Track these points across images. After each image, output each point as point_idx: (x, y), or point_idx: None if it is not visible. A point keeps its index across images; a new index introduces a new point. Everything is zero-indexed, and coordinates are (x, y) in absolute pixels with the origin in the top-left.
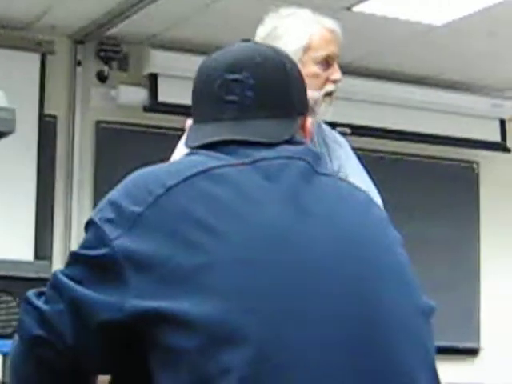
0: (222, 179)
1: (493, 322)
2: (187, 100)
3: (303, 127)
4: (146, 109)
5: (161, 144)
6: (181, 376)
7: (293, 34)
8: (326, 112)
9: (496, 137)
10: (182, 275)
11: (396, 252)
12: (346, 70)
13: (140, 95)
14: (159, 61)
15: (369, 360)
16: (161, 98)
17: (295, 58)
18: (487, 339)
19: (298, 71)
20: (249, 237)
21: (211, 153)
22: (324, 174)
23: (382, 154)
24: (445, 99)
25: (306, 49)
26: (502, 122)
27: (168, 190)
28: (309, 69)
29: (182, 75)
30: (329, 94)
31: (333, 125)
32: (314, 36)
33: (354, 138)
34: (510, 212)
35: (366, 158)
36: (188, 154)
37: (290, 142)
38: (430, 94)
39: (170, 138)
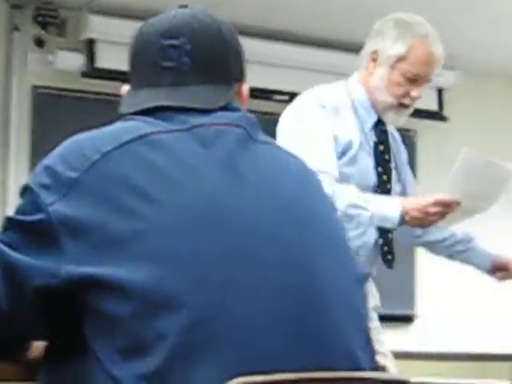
0: (159, 145)
1: (428, 290)
2: (125, 66)
3: (240, 94)
4: (83, 74)
5: (98, 110)
6: (116, 342)
7: (397, 39)
8: (393, 120)
9: (433, 106)
10: (118, 241)
11: (332, 219)
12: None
13: (77, 61)
14: (97, 26)
15: (305, 325)
16: (98, 63)
17: (387, 62)
18: (422, 306)
19: (236, 39)
20: (185, 203)
21: (148, 118)
22: (261, 141)
23: None
24: None
25: (400, 59)
26: (440, 92)
27: (104, 155)
28: (395, 76)
29: (119, 41)
30: (402, 106)
31: None
32: (414, 51)
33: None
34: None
35: None
36: (124, 120)
37: (226, 108)
38: None
39: (107, 104)
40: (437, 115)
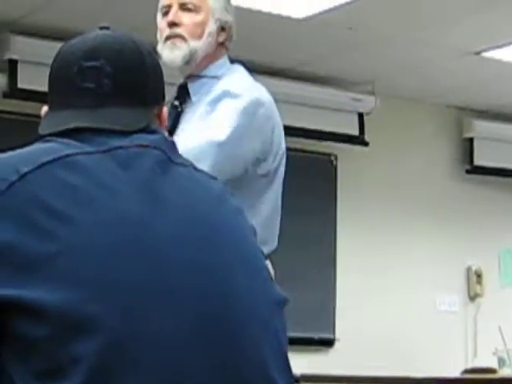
0: (77, 167)
1: (347, 314)
2: (47, 86)
3: (159, 116)
4: (5, 95)
5: (20, 131)
6: (32, 365)
7: None
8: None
9: (354, 130)
10: (34, 263)
11: (250, 242)
12: None
13: None
14: (19, 46)
15: (221, 351)
16: (20, 84)
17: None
18: (342, 330)
19: (156, 60)
20: (103, 224)
21: (66, 140)
22: (179, 164)
23: None
24: (304, 92)
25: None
26: (361, 116)
27: (22, 176)
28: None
29: (42, 61)
30: (167, 39)
31: None
32: None
33: None
34: (367, 205)
35: None
36: (43, 141)
37: (146, 130)
38: (288, 86)
39: (29, 125)
40: (357, 139)
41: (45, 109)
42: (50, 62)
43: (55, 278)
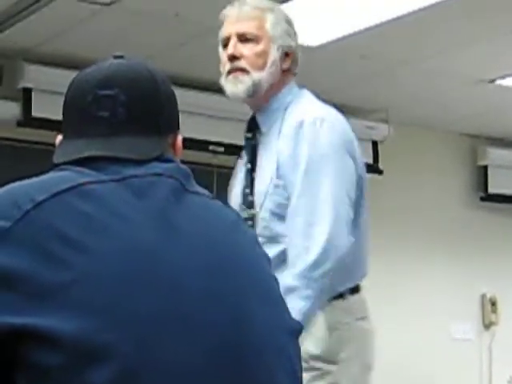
0: (92, 196)
1: None
2: (61, 115)
3: (174, 145)
4: (19, 123)
5: (34, 159)
6: None
7: None
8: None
9: (368, 158)
10: (49, 291)
11: (264, 270)
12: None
13: (13, 110)
14: (34, 75)
15: (235, 378)
16: (34, 112)
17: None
18: None
19: (170, 89)
20: (117, 252)
21: (81, 169)
22: (194, 192)
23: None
24: None
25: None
26: (375, 144)
27: (37, 205)
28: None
29: (56, 90)
30: (229, 73)
31: None
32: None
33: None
34: (381, 233)
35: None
36: (57, 170)
37: (159, 159)
38: None
39: (43, 154)
40: (371, 168)
41: (59, 137)
42: (65, 90)
43: (69, 307)
